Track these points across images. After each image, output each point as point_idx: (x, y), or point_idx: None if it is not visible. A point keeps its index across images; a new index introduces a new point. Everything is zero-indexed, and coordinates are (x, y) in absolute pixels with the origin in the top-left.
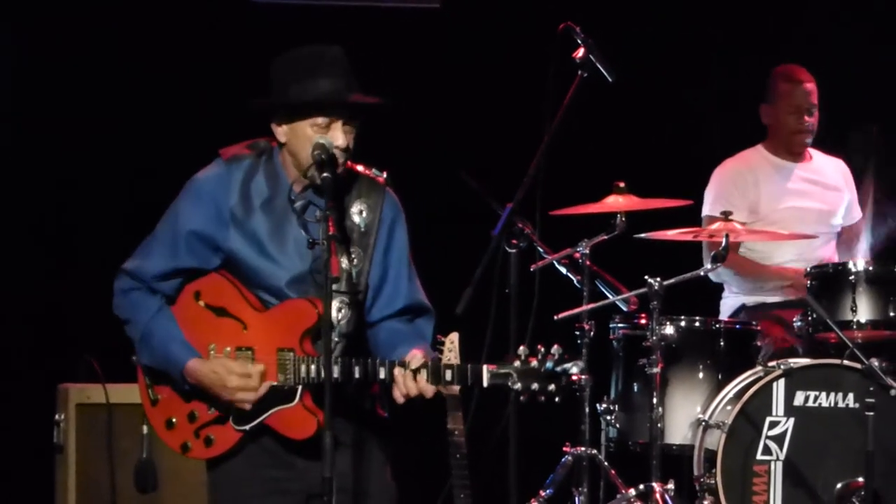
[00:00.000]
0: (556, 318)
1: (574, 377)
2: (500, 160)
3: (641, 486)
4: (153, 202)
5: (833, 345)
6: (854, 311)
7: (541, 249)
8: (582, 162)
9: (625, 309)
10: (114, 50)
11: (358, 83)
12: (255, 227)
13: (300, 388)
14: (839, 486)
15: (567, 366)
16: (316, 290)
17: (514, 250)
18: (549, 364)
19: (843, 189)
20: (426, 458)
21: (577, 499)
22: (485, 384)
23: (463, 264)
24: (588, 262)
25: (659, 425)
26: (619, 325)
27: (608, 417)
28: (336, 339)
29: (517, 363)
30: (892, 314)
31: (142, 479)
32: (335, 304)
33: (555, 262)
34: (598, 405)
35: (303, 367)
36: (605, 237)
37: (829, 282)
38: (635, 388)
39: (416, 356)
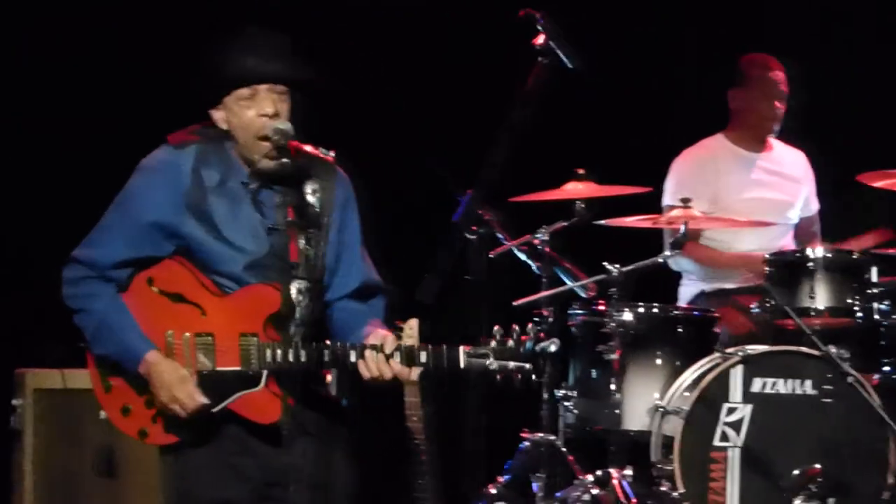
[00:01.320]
0: (515, 304)
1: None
2: (461, 147)
3: (599, 472)
4: (100, 188)
5: (791, 332)
6: (812, 297)
7: (500, 236)
8: (542, 149)
9: (584, 295)
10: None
11: (283, 55)
12: (210, 211)
13: (265, 372)
14: (797, 472)
15: (544, 344)
16: (275, 274)
17: (474, 237)
18: (528, 344)
19: (802, 181)
20: (384, 445)
21: (534, 485)
22: (462, 365)
23: (423, 251)
24: (547, 249)
25: (617, 411)
26: (578, 311)
27: (566, 404)
28: (297, 324)
29: (493, 344)
30: (850, 301)
31: (100, 464)
32: (294, 289)
33: (514, 249)
34: (556, 391)
35: (268, 352)
36: (565, 224)
37: (787, 269)
38: (594, 375)
39: (387, 338)
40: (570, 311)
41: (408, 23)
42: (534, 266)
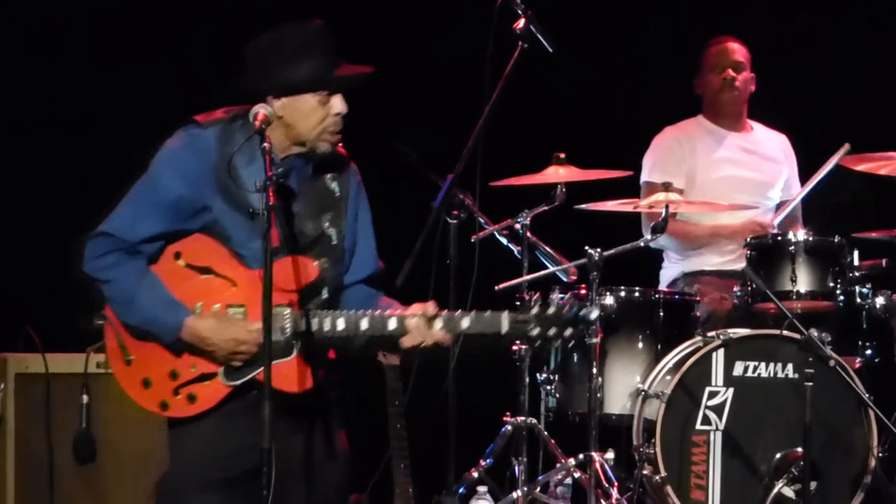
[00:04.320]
0: (496, 288)
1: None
2: (441, 131)
3: (581, 456)
4: (87, 172)
5: (772, 315)
6: (794, 281)
7: (481, 220)
8: (522, 133)
9: (565, 279)
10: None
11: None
12: (238, 188)
13: (297, 342)
14: (778, 456)
15: (585, 311)
16: (302, 249)
17: (454, 221)
18: (574, 309)
19: (783, 162)
20: (365, 429)
21: (516, 468)
22: (504, 331)
23: (403, 236)
24: (528, 233)
25: (598, 395)
26: (560, 295)
27: (548, 387)
28: (326, 295)
29: (535, 310)
30: (831, 285)
31: (80, 449)
32: (323, 263)
33: (495, 233)
34: (537, 375)
35: (303, 322)
36: (546, 208)
37: (768, 252)
38: (575, 359)
39: (429, 304)
40: (551, 295)
41: (386, 5)
42: (515, 250)
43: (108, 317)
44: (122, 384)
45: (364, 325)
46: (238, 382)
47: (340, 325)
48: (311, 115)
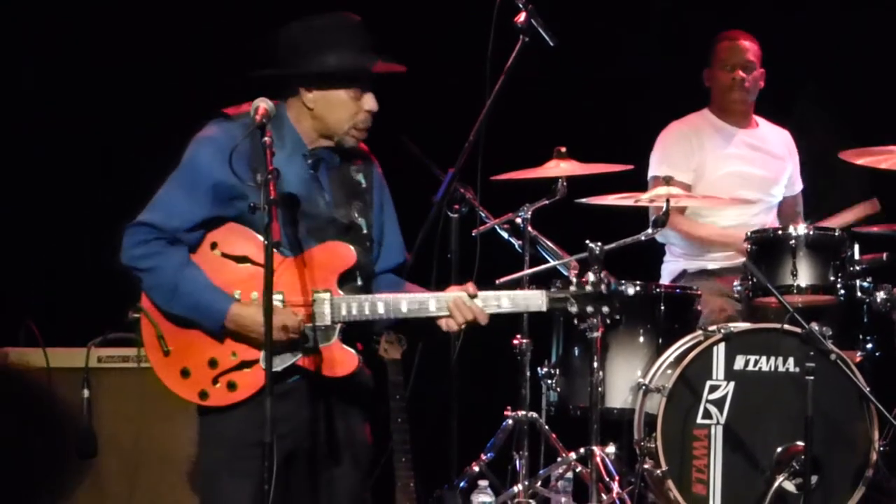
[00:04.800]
0: (497, 282)
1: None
2: (442, 125)
3: (582, 450)
4: (87, 169)
5: (773, 309)
6: (794, 275)
7: (482, 214)
8: (523, 127)
9: (566, 273)
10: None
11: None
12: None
13: (338, 326)
14: (779, 450)
15: (622, 288)
16: (335, 237)
17: (455, 215)
18: (612, 286)
19: (787, 159)
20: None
21: (517, 462)
22: (544, 309)
23: (405, 230)
24: (529, 227)
25: (599, 389)
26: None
27: (549, 381)
28: (360, 282)
29: (573, 288)
30: (832, 279)
31: (81, 444)
32: (358, 250)
33: (496, 227)
34: (538, 369)
35: (343, 306)
36: (547, 202)
37: (769, 246)
38: (576, 353)
39: (469, 284)
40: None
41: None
42: (516, 244)
43: (145, 308)
44: (161, 375)
45: (404, 307)
46: (279, 368)
47: (380, 308)
48: (343, 109)
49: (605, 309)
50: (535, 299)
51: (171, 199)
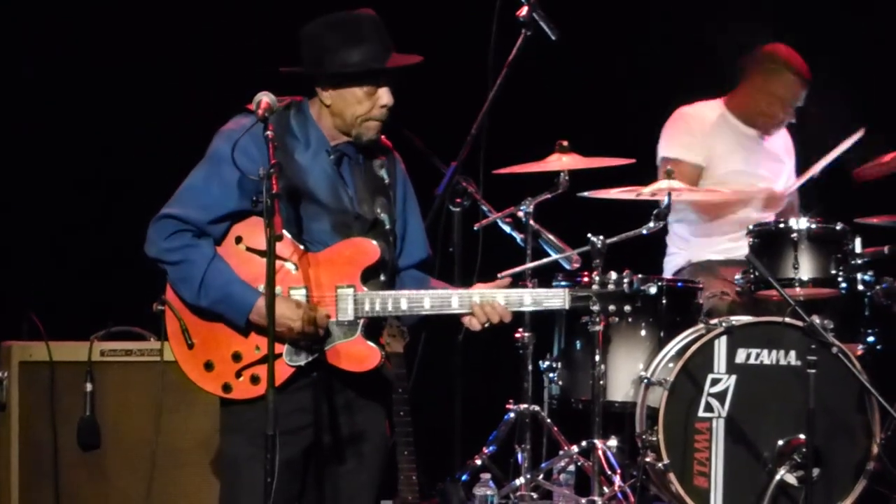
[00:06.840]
0: (499, 276)
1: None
2: (444, 119)
3: (584, 443)
4: (87, 165)
5: (775, 302)
6: (796, 268)
7: (485, 208)
8: (525, 121)
9: (568, 267)
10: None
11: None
12: (295, 172)
13: (361, 321)
14: (780, 443)
15: (644, 287)
16: (357, 234)
17: (457, 209)
18: (635, 285)
19: (786, 160)
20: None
21: (519, 455)
22: (566, 307)
23: None
24: (531, 221)
25: (601, 382)
26: (562, 282)
27: (551, 375)
28: (384, 277)
29: (595, 287)
30: (833, 272)
31: (84, 436)
32: (382, 246)
33: (498, 221)
34: (540, 363)
35: (366, 302)
36: (549, 195)
37: (771, 239)
38: (578, 346)
39: (495, 282)
40: (554, 283)
41: None
42: (518, 238)
43: (170, 301)
44: (184, 368)
45: (427, 303)
46: (303, 363)
47: (403, 304)
48: (357, 105)
49: (628, 308)
50: (557, 298)
51: (197, 192)
